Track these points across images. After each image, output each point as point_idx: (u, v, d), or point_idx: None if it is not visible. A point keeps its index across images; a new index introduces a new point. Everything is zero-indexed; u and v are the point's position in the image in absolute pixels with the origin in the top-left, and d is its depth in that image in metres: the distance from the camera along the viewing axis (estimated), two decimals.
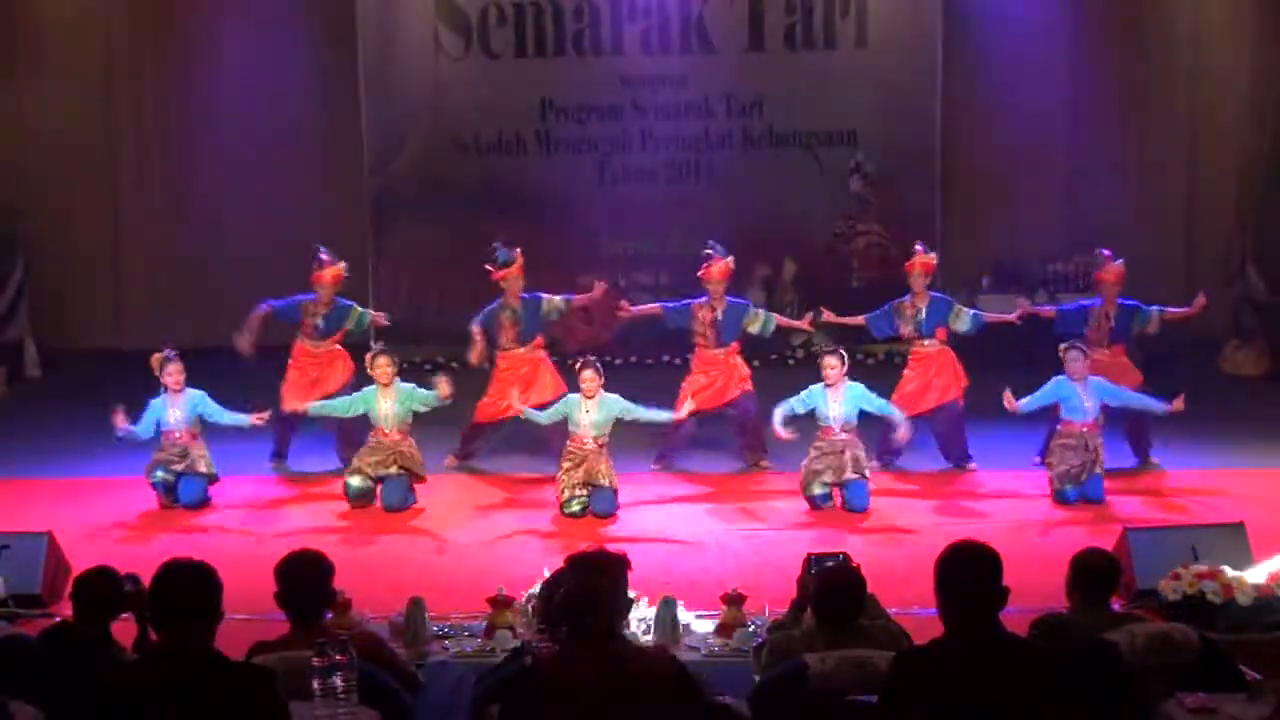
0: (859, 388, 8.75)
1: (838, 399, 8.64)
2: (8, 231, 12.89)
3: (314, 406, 9.06)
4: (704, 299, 9.50)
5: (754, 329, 9.56)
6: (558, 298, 9.64)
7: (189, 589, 3.82)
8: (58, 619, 5.46)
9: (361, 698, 4.23)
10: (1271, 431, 10.21)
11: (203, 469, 8.80)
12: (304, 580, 4.55)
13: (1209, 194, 13.35)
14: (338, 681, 4.15)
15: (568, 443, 8.63)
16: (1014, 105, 12.89)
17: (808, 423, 8.77)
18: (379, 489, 8.72)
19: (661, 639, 5.79)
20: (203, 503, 8.75)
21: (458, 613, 6.30)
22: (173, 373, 8.81)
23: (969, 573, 3.92)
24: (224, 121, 12.96)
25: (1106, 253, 9.54)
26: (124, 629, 4.85)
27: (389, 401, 8.82)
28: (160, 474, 8.71)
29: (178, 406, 8.82)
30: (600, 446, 8.55)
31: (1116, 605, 5.08)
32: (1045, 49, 12.95)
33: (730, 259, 9.42)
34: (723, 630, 6.01)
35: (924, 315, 9.38)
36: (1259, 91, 13.00)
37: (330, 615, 4.79)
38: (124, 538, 8.06)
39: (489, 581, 6.43)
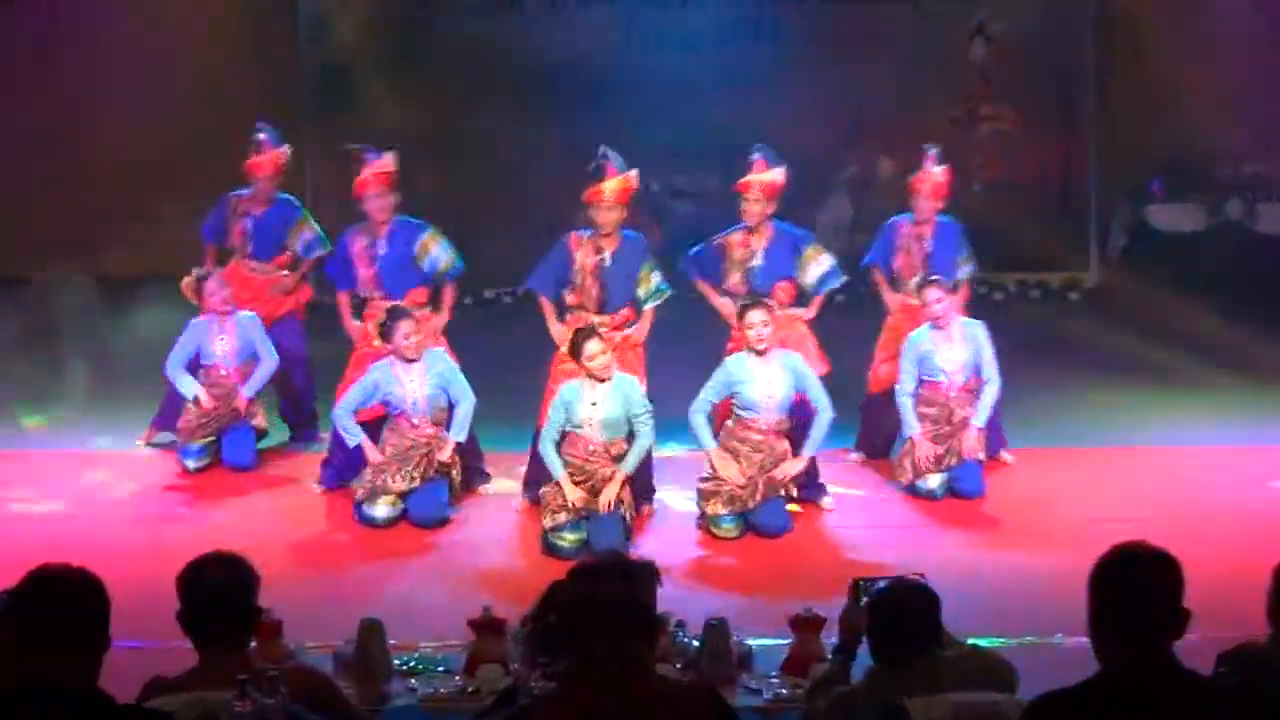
0: (797, 358, 8.20)
1: (769, 373, 8.06)
2: None
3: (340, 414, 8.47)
4: (586, 232, 8.44)
5: (642, 292, 8.49)
6: (444, 254, 8.80)
7: (64, 606, 3.82)
8: None
9: None
10: None
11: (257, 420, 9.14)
12: (216, 594, 4.53)
13: None
14: None
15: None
16: None
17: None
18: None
19: (708, 675, 5.78)
20: (250, 465, 9.15)
21: (428, 641, 6.30)
22: (214, 291, 9.03)
23: (1141, 589, 3.89)
24: None
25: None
26: None
27: (416, 381, 8.38)
28: (196, 448, 9.01)
29: (226, 334, 9.07)
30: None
31: None
32: None
33: (633, 173, 8.36)
34: (792, 665, 5.98)
35: (760, 259, 8.62)
36: None
37: (254, 643, 4.79)
38: None
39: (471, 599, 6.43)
